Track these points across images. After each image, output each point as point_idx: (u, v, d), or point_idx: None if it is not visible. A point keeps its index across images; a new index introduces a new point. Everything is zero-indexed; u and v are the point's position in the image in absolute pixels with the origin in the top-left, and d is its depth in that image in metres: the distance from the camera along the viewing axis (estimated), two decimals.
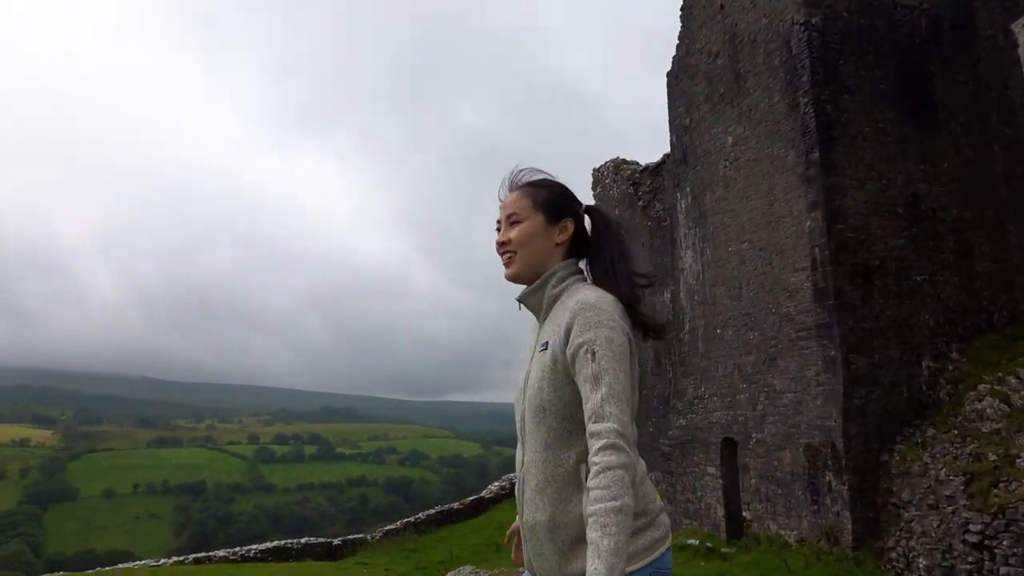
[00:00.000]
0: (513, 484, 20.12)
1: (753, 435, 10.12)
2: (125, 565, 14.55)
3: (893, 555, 8.18)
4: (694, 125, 12.15)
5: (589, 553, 1.44)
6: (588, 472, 1.56)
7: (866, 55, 9.72)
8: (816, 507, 8.92)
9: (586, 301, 1.67)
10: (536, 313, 1.84)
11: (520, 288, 1.85)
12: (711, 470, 10.84)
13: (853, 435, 8.67)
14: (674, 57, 12.89)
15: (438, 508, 19.06)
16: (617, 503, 1.46)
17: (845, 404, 8.73)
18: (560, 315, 1.72)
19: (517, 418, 1.82)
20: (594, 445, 1.54)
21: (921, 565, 7.82)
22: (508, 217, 1.84)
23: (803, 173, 9.53)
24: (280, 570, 7.69)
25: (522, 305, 1.86)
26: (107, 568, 13.72)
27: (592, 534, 1.45)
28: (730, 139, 11.13)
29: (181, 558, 15.48)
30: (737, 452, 10.53)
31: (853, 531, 8.39)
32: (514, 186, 1.89)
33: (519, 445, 1.82)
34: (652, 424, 17.33)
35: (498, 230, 1.88)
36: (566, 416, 1.67)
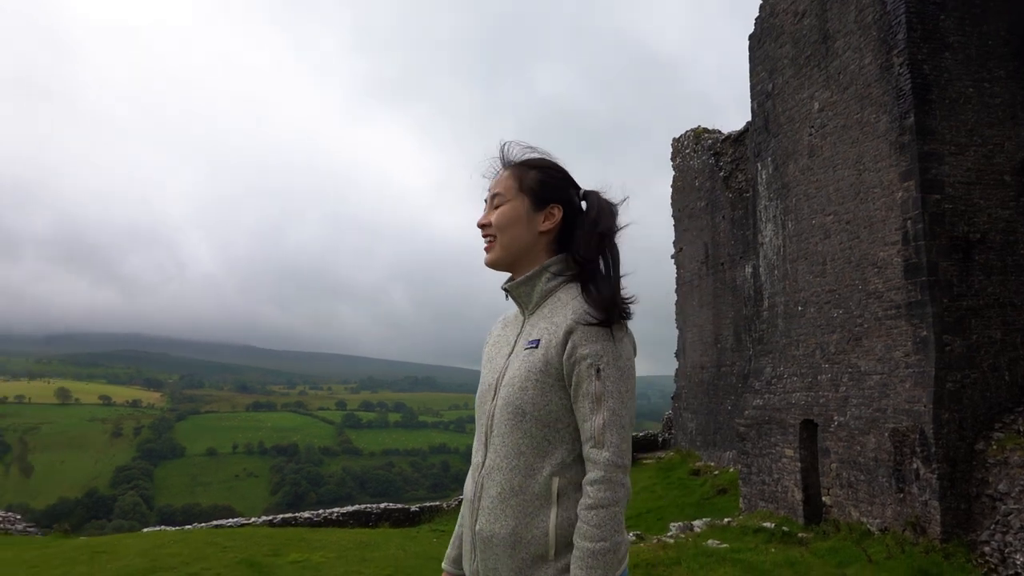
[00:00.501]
0: None
1: (835, 418, 9.65)
2: (220, 522, 15.52)
3: (986, 549, 7.65)
4: (777, 90, 11.50)
5: None
6: (560, 487, 1.50)
7: (971, 10, 8.87)
8: (901, 495, 8.44)
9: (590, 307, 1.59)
10: (523, 306, 1.69)
11: (502, 275, 1.72)
12: (789, 452, 10.44)
13: (945, 421, 8.11)
14: (757, 18, 12.20)
15: None
16: (606, 544, 1.42)
17: (937, 388, 8.16)
18: (558, 314, 1.58)
19: (482, 416, 1.65)
20: (591, 474, 1.47)
21: (1018, 562, 7.28)
22: (493, 197, 1.69)
23: (896, 140, 8.86)
24: (348, 536, 7.98)
25: (508, 295, 1.71)
26: (202, 525, 14.68)
27: (576, 571, 1.43)
28: (816, 104, 10.48)
29: (270, 517, 16.34)
30: (817, 435, 10.08)
31: (942, 522, 7.90)
32: (505, 163, 1.73)
33: (480, 445, 1.64)
34: (731, 402, 16.86)
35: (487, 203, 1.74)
36: (548, 423, 1.54)
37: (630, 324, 1.60)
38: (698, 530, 10.16)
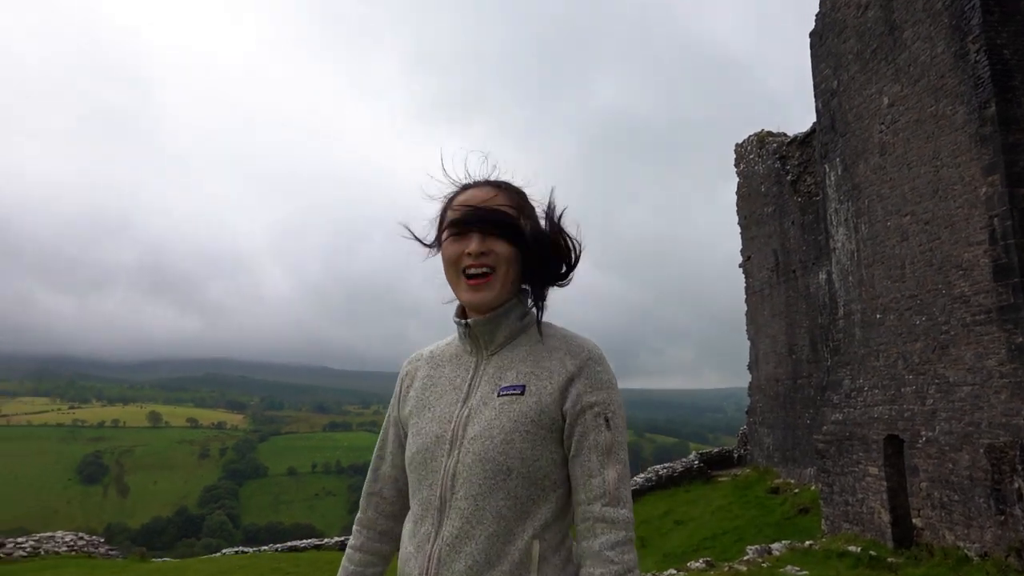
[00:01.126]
0: (660, 477, 19.50)
1: (922, 433, 8.97)
2: (295, 543, 15.80)
3: None
4: (843, 88, 10.94)
5: None
6: (542, 552, 1.30)
7: None
8: (1002, 517, 7.72)
9: (591, 351, 1.42)
10: (482, 345, 1.44)
11: (462, 311, 1.47)
12: (873, 470, 9.77)
13: None
14: (818, 14, 11.68)
15: None
16: None
17: None
18: (550, 359, 1.40)
19: (428, 476, 1.37)
20: (608, 535, 1.30)
21: None
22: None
23: (976, 132, 8.23)
24: None
25: (466, 332, 1.45)
26: (277, 546, 14.98)
27: None
28: (885, 100, 9.89)
29: (343, 538, 16.55)
30: (903, 451, 9.40)
31: None
32: (489, 179, 1.47)
33: (428, 512, 1.35)
34: (809, 415, 16.04)
35: (456, 233, 1.41)
36: (535, 481, 1.33)
37: None
38: (777, 554, 9.60)
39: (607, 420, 1.35)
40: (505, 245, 1.40)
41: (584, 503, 1.32)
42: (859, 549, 9.20)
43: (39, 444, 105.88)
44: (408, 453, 1.44)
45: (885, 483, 9.54)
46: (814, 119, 14.64)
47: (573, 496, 1.35)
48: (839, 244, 11.14)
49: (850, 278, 10.81)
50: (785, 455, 17.20)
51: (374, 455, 1.61)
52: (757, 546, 10.27)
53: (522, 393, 1.36)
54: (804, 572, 6.84)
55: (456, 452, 1.35)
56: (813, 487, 14.73)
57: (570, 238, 1.49)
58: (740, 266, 20.31)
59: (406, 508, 1.51)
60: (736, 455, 20.67)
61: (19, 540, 9.36)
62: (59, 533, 10.20)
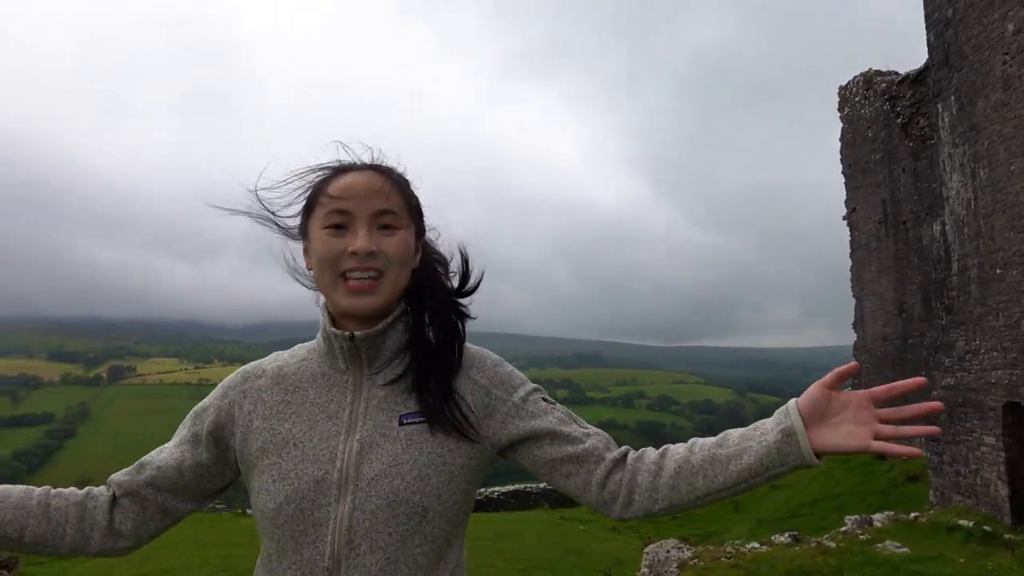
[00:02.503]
0: None
1: None
2: None
3: None
4: (959, 16, 9.77)
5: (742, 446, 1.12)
6: None
7: None
8: None
9: (488, 357, 1.27)
10: (367, 362, 1.18)
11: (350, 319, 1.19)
12: (990, 440, 8.96)
13: None
14: None
15: None
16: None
17: None
18: (455, 378, 1.21)
19: (311, 527, 1.10)
20: (638, 453, 1.20)
21: None
22: (379, 214, 1.16)
23: None
24: (487, 525, 7.99)
25: (344, 349, 1.18)
26: None
27: (726, 446, 1.14)
28: (1010, 26, 8.75)
29: None
30: None
31: None
32: (379, 167, 1.22)
33: (315, 573, 1.09)
34: (921, 377, 14.93)
35: (339, 226, 1.15)
36: (451, 519, 1.14)
37: None
38: (878, 525, 9.05)
39: (544, 399, 1.24)
40: (397, 245, 1.16)
41: (597, 461, 1.17)
42: (971, 523, 8.53)
43: (170, 401, 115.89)
44: (268, 506, 1.12)
45: (1003, 454, 8.73)
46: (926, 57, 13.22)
47: (582, 474, 1.17)
48: (953, 192, 10.11)
49: (966, 229, 9.81)
50: None
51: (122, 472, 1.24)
52: (857, 516, 9.74)
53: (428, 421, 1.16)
54: (904, 549, 6.36)
55: (350, 498, 1.09)
56: (925, 453, 13.81)
57: (461, 252, 1.31)
58: (844, 219, 19.03)
59: (136, 516, 1.20)
60: None
61: None
62: None
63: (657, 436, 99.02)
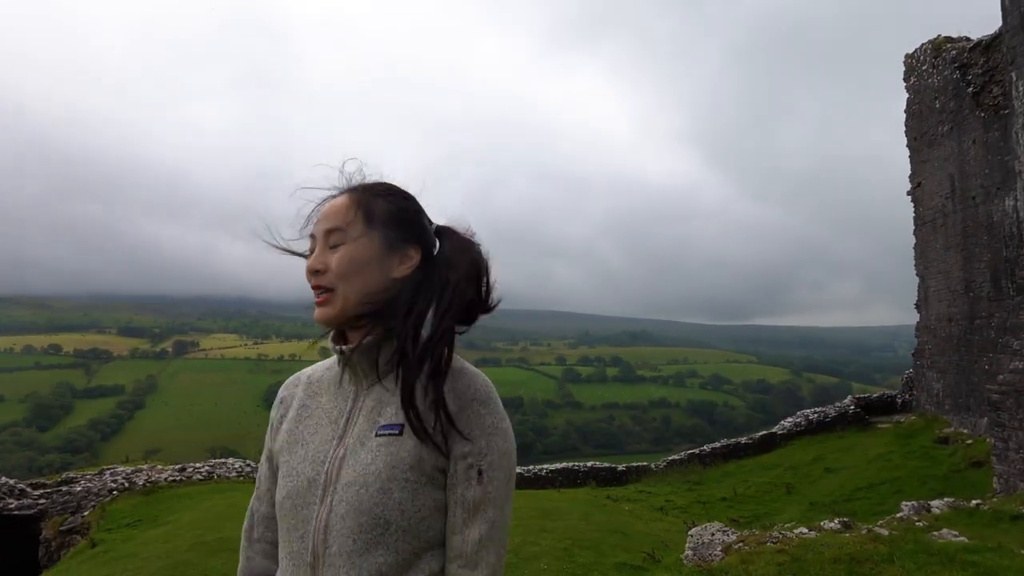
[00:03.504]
0: (811, 422, 18.58)
1: None
2: None
3: None
4: None
5: None
6: None
7: None
8: None
9: (477, 390, 1.22)
10: (363, 375, 1.26)
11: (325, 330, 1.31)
12: None
13: None
14: None
15: (723, 441, 18.41)
16: None
17: None
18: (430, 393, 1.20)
19: (300, 526, 1.18)
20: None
21: None
22: (327, 233, 1.25)
23: None
24: (532, 503, 8.05)
25: (342, 362, 1.28)
26: None
27: None
28: None
29: None
30: None
31: None
32: (351, 188, 1.31)
33: (300, 566, 1.17)
34: (988, 360, 14.28)
35: (312, 248, 1.28)
36: (418, 535, 1.15)
37: None
38: (937, 512, 8.74)
39: (479, 472, 1.17)
40: (338, 260, 1.23)
41: (447, 560, 1.17)
42: None
43: (231, 375, 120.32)
44: (278, 497, 1.25)
45: None
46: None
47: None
48: None
49: None
50: (957, 402, 15.56)
51: (253, 495, 1.41)
52: (914, 502, 9.42)
53: (400, 433, 1.18)
54: (962, 538, 6.13)
55: (329, 500, 1.17)
56: (989, 439, 13.26)
57: (480, 258, 1.30)
58: (908, 194, 18.25)
59: None
60: (899, 400, 19.05)
61: (197, 465, 10.73)
62: (230, 460, 11.55)
63: (709, 416, 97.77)
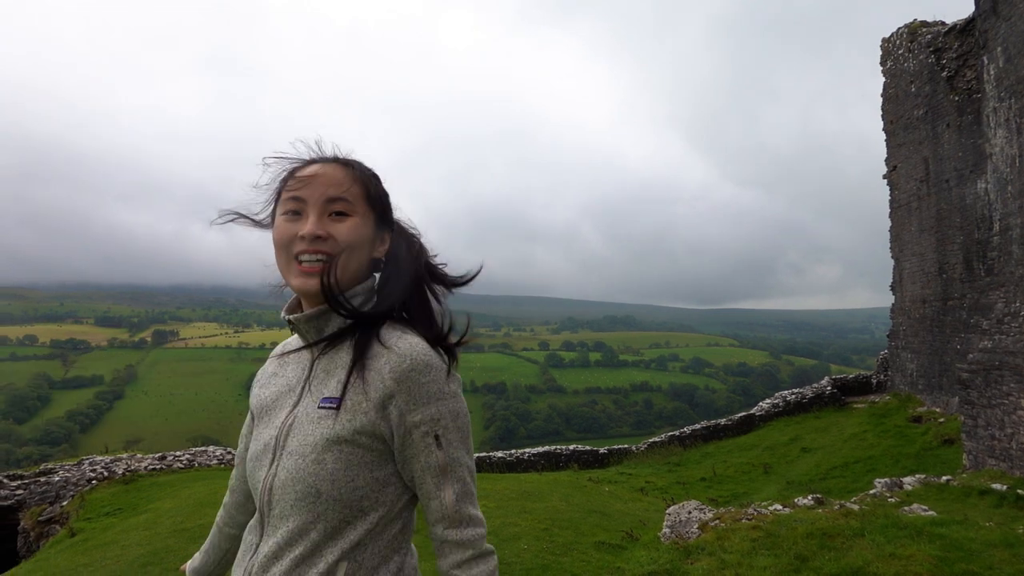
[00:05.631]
0: (788, 403, 18.80)
1: None
2: None
3: None
4: None
5: None
6: (348, 574, 1.18)
7: None
8: None
9: (414, 359, 1.21)
10: (307, 343, 1.31)
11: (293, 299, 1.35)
12: None
13: None
14: None
15: (703, 423, 18.64)
16: None
17: None
18: (369, 366, 1.22)
19: (256, 485, 1.27)
20: (454, 555, 1.22)
21: None
22: (330, 201, 1.25)
23: None
24: (512, 485, 8.12)
25: (291, 328, 1.33)
26: None
27: None
28: None
29: (480, 453, 17.37)
30: None
31: None
32: (336, 158, 1.32)
33: (255, 523, 1.29)
34: (960, 340, 14.58)
35: (295, 212, 1.26)
36: (349, 504, 1.20)
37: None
38: (908, 488, 8.96)
39: (436, 438, 1.21)
40: (347, 230, 1.25)
41: (430, 525, 1.25)
42: (1005, 488, 8.40)
43: (211, 364, 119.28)
44: (247, 457, 1.34)
45: None
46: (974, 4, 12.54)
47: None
48: (997, 149, 9.73)
49: (1009, 188, 9.46)
50: (931, 382, 15.88)
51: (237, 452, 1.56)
52: (887, 479, 9.64)
53: (337, 408, 1.21)
54: (931, 512, 6.30)
55: (275, 465, 1.24)
56: (960, 417, 13.56)
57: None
58: (884, 177, 18.47)
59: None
60: (875, 381, 19.39)
61: (177, 453, 10.68)
62: (211, 448, 11.51)
63: (690, 399, 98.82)
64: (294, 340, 1.40)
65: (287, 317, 1.31)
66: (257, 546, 1.26)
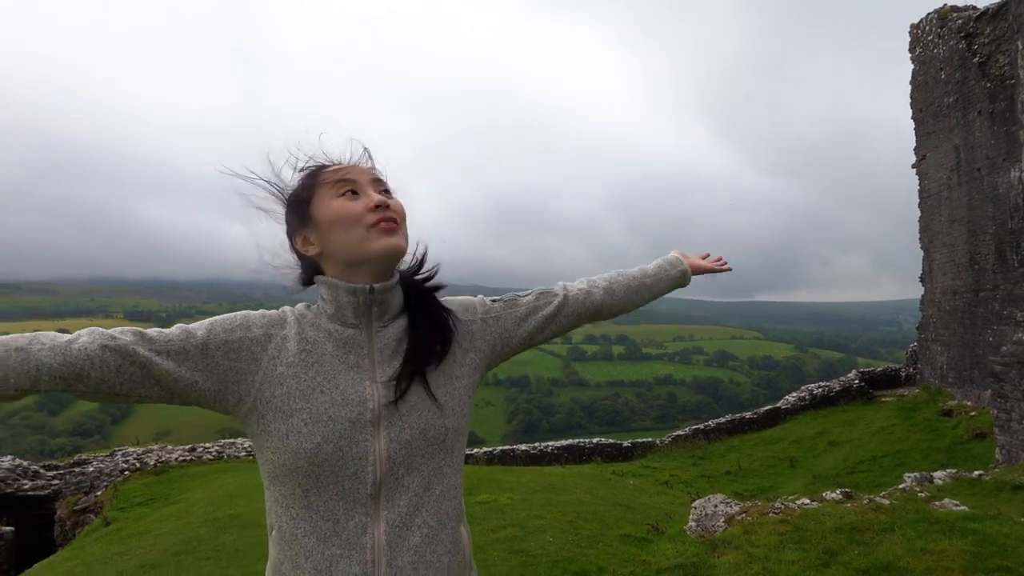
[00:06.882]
0: (815, 396, 18.56)
1: None
2: None
3: None
4: None
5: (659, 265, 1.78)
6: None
7: None
8: None
9: (457, 299, 1.51)
10: (377, 316, 1.35)
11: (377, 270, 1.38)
12: None
13: None
14: None
15: (728, 417, 18.50)
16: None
17: None
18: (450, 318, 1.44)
19: (348, 465, 1.25)
20: (585, 284, 1.63)
21: None
22: (375, 181, 1.39)
23: None
24: (537, 478, 8.14)
25: (365, 300, 1.35)
26: None
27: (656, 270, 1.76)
28: None
29: (491, 449, 17.45)
30: None
31: None
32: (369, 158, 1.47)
33: (356, 504, 1.25)
34: (992, 332, 14.28)
35: (352, 191, 1.35)
36: (463, 431, 1.40)
37: None
38: (939, 483, 8.81)
39: (496, 300, 1.53)
40: (399, 203, 1.39)
41: (563, 296, 1.58)
42: None
43: None
44: (304, 446, 1.23)
45: None
46: None
47: (560, 317, 1.57)
48: None
49: None
50: (961, 375, 15.58)
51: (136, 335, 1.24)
52: (917, 473, 9.49)
53: (442, 358, 1.38)
54: (963, 507, 6.19)
55: (384, 433, 1.27)
56: (992, 411, 13.30)
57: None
58: (913, 166, 18.12)
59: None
60: (903, 374, 19.09)
61: (207, 445, 10.87)
62: (239, 440, 11.69)
63: (715, 392, 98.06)
64: (309, 321, 1.35)
65: (364, 287, 1.32)
66: (374, 521, 1.25)
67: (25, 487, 10.90)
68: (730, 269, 1.90)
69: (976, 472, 9.29)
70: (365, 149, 1.44)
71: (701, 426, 18.27)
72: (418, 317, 1.39)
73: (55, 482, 10.99)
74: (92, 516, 9.52)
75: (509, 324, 1.50)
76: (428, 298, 1.43)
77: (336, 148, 1.43)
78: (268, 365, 1.29)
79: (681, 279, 1.78)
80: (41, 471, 11.39)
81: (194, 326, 1.31)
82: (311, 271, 1.40)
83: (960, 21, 15.51)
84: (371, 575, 1.23)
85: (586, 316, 1.60)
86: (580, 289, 1.60)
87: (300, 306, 1.41)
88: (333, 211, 1.33)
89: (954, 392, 15.71)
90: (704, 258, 1.88)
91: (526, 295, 1.56)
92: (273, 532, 1.31)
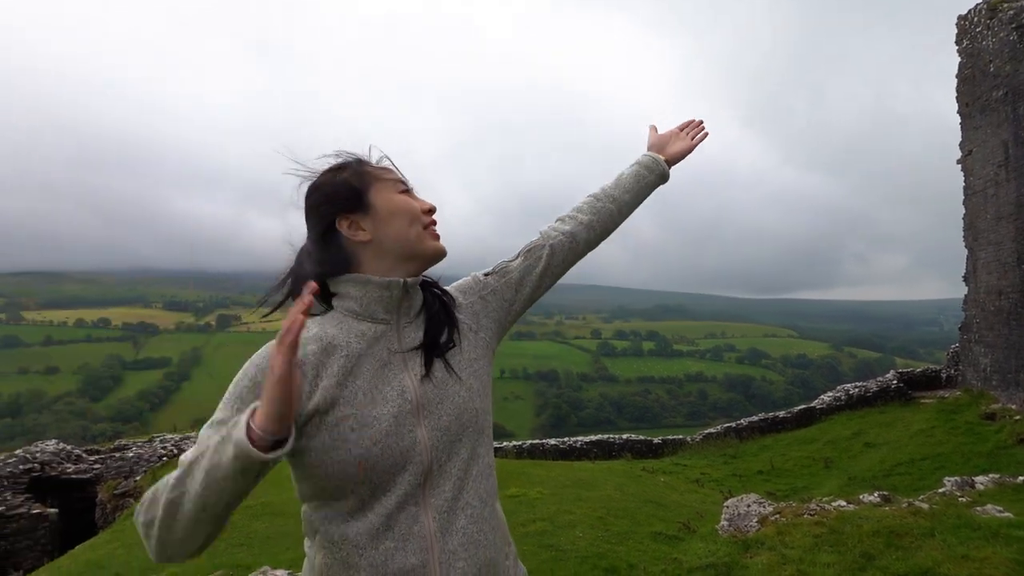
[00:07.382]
0: (851, 396, 18.19)
1: None
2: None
3: None
4: None
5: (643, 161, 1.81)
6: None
7: None
8: None
9: (461, 282, 1.59)
10: (404, 311, 1.41)
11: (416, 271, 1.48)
12: None
13: None
14: None
15: (761, 415, 18.23)
16: None
17: None
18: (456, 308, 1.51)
19: (395, 455, 1.27)
20: (568, 226, 1.66)
21: None
22: (409, 190, 1.50)
23: None
24: (567, 473, 8.11)
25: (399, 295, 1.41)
26: None
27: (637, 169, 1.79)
28: None
29: (521, 443, 17.45)
30: None
31: None
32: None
33: (409, 496, 1.27)
34: (1013, 329, 13.83)
35: (406, 190, 1.47)
36: (490, 408, 1.48)
37: None
38: (981, 487, 8.57)
39: (488, 273, 1.58)
40: None
41: (556, 235, 1.64)
42: None
43: None
44: (353, 453, 1.23)
45: None
46: None
47: (552, 268, 1.62)
48: None
49: None
50: (1006, 378, 15.12)
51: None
52: (958, 478, 9.25)
53: (458, 342, 1.44)
54: (1007, 514, 6.01)
55: (425, 422, 1.31)
56: None
57: None
58: (958, 162, 17.60)
59: None
60: (944, 376, 18.59)
61: None
62: None
63: (746, 390, 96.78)
64: (333, 326, 1.34)
65: (399, 280, 1.38)
66: (424, 510, 1.28)
67: (68, 470, 11.23)
68: (707, 133, 1.88)
69: (1021, 478, 9.03)
70: (386, 157, 1.49)
71: (733, 424, 18.04)
72: (432, 303, 1.46)
73: (96, 466, 11.30)
74: (131, 500, 9.77)
75: (508, 294, 1.55)
76: (436, 289, 1.50)
77: (359, 150, 1.48)
78: (310, 385, 1.27)
79: (660, 181, 1.79)
80: (83, 455, 11.72)
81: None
82: (341, 264, 1.37)
83: (1012, 11, 15.00)
84: (428, 563, 1.25)
85: (574, 258, 1.66)
86: (564, 233, 1.63)
87: (312, 320, 1.36)
88: (396, 204, 1.40)
89: (997, 395, 15.26)
90: (682, 129, 1.87)
91: (514, 259, 1.60)
92: (317, 537, 1.29)
